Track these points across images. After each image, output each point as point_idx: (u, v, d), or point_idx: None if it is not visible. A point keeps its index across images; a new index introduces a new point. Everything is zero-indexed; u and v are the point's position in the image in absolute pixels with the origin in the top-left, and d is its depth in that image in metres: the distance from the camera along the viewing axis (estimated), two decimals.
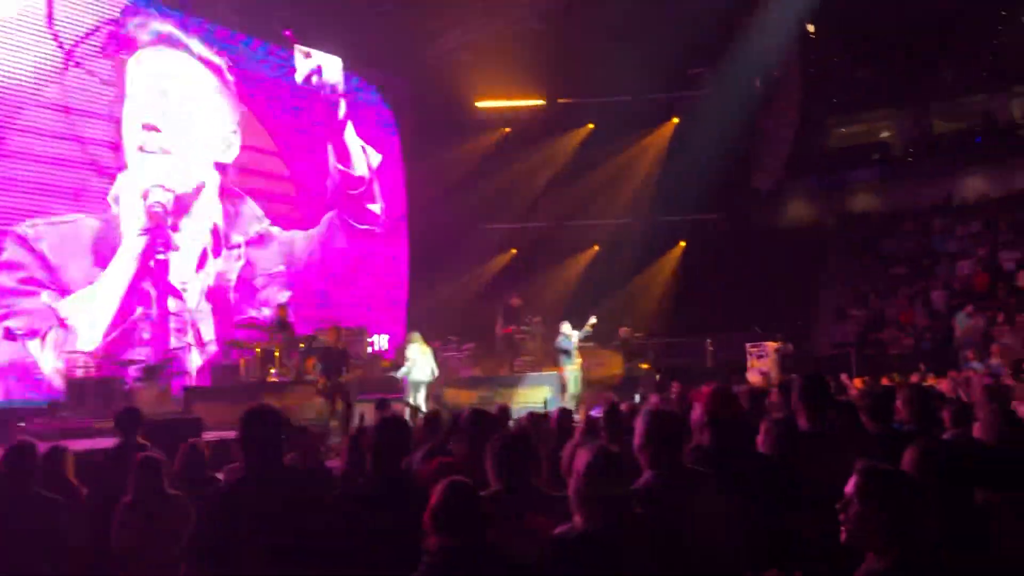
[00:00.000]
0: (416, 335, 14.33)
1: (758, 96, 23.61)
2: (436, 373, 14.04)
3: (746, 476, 3.67)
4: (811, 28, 24.38)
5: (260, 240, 17.55)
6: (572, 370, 14.71)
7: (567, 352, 14.72)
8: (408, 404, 13.09)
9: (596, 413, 6.07)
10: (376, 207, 20.55)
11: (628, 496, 2.97)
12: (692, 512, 3.22)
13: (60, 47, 14.04)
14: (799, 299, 22.66)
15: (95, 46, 14.64)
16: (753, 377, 16.57)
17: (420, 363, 13.79)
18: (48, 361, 13.27)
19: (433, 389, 14.13)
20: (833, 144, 27.88)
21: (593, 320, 15.04)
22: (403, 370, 13.83)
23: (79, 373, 12.66)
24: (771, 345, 17.61)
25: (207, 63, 16.58)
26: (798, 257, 23.64)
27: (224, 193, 16.78)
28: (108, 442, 6.69)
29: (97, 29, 14.68)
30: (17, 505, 4.50)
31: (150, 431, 6.05)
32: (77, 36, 14.35)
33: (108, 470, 5.43)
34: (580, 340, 14.93)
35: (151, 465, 4.79)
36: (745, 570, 3.35)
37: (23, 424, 10.80)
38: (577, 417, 9.89)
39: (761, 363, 17.41)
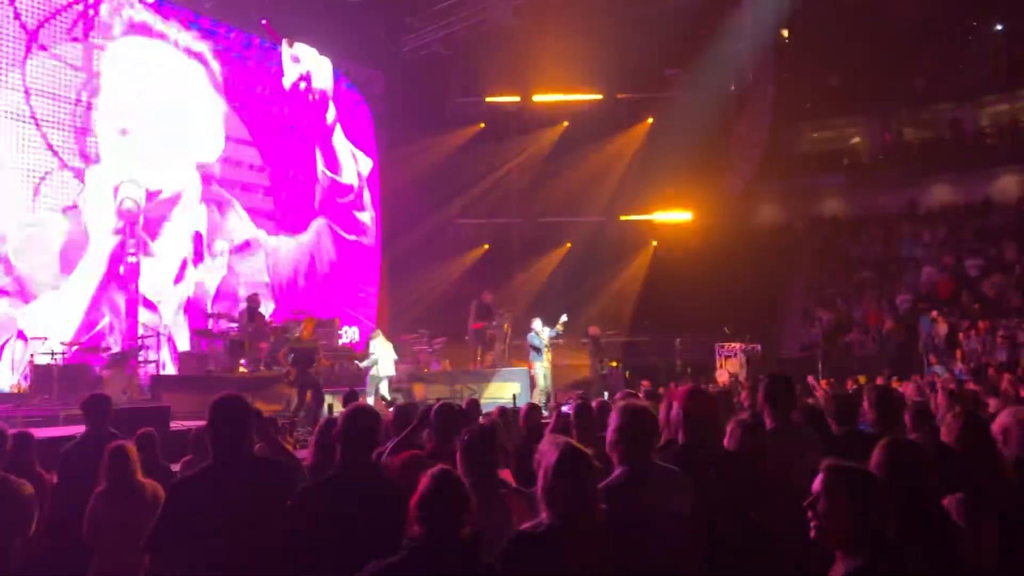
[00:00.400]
0: (378, 331, 14.43)
1: (731, 99, 23.79)
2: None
3: (713, 473, 3.71)
4: (785, 34, 24.61)
5: (246, 247, 16.83)
6: (542, 366, 14.76)
7: (537, 349, 14.77)
8: (384, 399, 13.10)
9: (567, 410, 6.09)
10: (365, 216, 20.28)
11: (594, 493, 3.00)
12: (661, 509, 3.25)
13: (23, 28, 13.32)
14: (767, 301, 22.88)
15: (62, 28, 13.86)
16: (722, 377, 16.75)
17: (384, 358, 13.84)
18: (3, 377, 12.60)
19: (393, 383, 14.16)
20: (804, 149, 28.19)
21: (564, 318, 15.08)
22: (368, 362, 13.85)
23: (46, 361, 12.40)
24: (739, 346, 17.79)
25: (188, 52, 15.97)
26: (767, 259, 23.86)
27: (208, 196, 16.07)
28: (74, 430, 6.62)
29: (65, 9, 13.98)
30: None
31: (117, 420, 5.99)
32: (42, 16, 13.56)
33: (75, 458, 5.38)
34: (551, 338, 14.98)
35: (123, 454, 4.77)
36: (709, 567, 3.39)
37: None
38: (546, 413, 9.94)
39: (730, 363, 17.59)
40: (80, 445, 5.49)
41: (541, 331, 14.81)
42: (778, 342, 21.69)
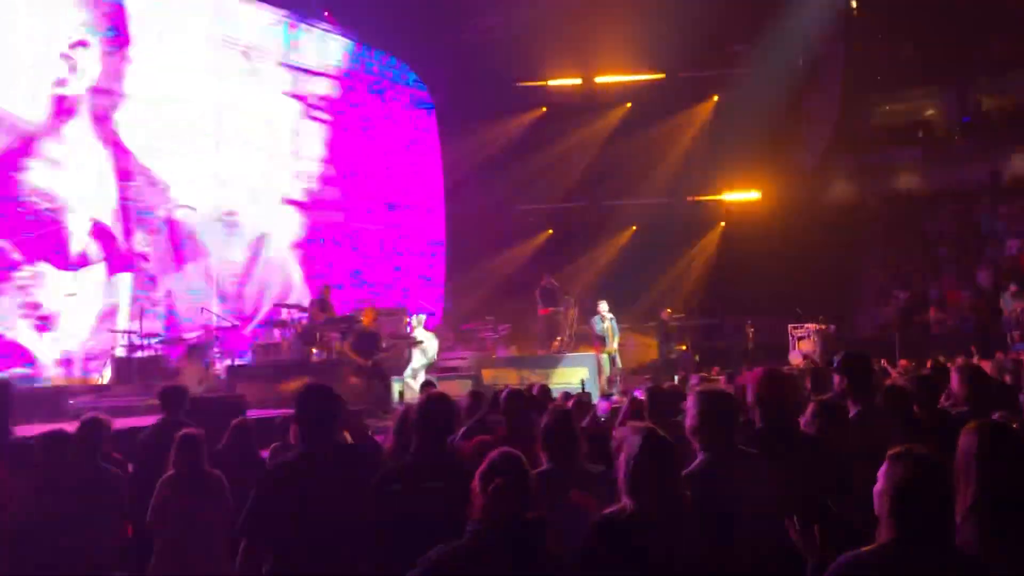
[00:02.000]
0: (420, 318, 14.34)
1: (800, 74, 23.20)
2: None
3: (792, 458, 3.61)
4: (854, 4, 23.88)
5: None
6: (609, 351, 14.66)
7: (604, 333, 14.66)
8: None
9: (639, 394, 6.03)
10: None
11: (679, 479, 2.97)
12: (745, 495, 3.18)
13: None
14: (841, 280, 22.36)
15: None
16: (795, 359, 16.43)
17: (424, 347, 13.82)
18: None
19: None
20: (876, 122, 27.35)
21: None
22: (417, 354, 13.88)
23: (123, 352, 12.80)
24: (813, 327, 17.42)
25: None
26: (840, 237, 23.29)
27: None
28: (151, 420, 6.79)
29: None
30: (85, 475, 4.70)
31: (194, 409, 6.12)
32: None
33: (150, 447, 5.52)
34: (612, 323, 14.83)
35: (191, 442, 4.86)
36: (791, 553, 3.30)
37: (73, 402, 10.99)
38: (615, 398, 9.88)
39: (803, 345, 17.25)
40: (155, 434, 5.63)
41: (606, 314, 14.67)
42: (853, 322, 21.20)
